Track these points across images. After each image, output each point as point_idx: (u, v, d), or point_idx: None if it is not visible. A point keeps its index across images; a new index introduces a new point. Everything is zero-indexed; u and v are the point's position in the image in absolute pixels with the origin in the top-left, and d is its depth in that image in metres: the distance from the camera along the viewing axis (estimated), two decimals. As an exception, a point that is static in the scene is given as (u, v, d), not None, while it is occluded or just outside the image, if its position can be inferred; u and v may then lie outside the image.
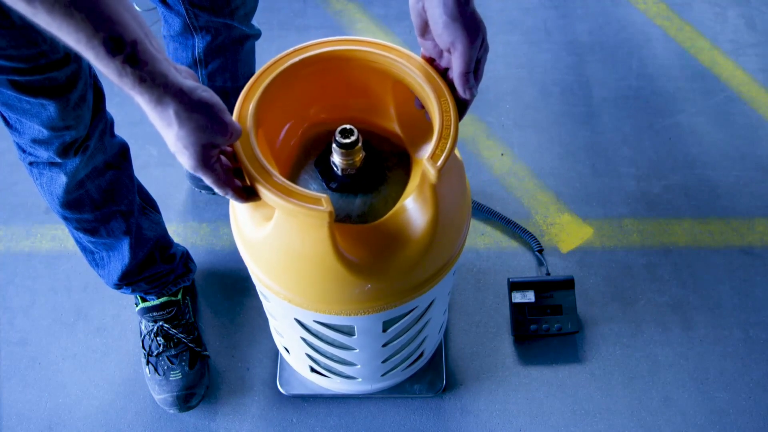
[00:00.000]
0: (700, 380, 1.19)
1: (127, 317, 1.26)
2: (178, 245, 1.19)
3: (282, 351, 1.15)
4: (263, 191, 0.65)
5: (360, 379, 1.07)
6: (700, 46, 1.70)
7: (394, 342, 0.93)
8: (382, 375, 1.06)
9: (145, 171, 1.45)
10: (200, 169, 0.61)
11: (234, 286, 1.29)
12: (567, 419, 1.16)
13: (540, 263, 1.32)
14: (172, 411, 1.14)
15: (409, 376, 1.16)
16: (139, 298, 1.17)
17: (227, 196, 0.66)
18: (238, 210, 0.79)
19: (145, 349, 1.16)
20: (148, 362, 1.15)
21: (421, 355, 1.12)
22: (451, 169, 0.76)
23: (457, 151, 0.78)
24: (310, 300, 0.76)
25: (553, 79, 1.63)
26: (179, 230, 1.37)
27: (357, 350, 0.92)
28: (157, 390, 1.14)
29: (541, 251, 1.32)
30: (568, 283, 1.22)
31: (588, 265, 1.32)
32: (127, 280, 1.09)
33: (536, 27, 1.74)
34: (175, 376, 1.13)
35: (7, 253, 1.34)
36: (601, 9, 1.79)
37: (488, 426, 1.15)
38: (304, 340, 0.93)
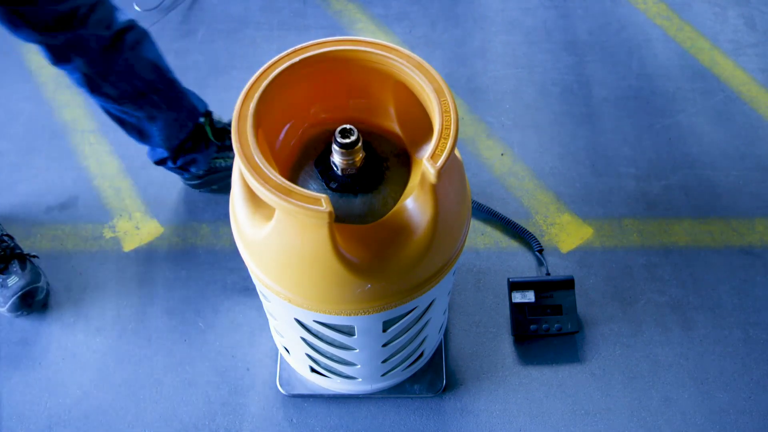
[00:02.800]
0: (700, 380, 1.19)
1: (127, 317, 1.26)
2: None
3: (282, 351, 1.15)
4: (263, 191, 0.65)
5: (360, 379, 1.07)
6: (700, 46, 1.70)
7: (394, 342, 0.93)
8: (382, 375, 1.06)
9: (144, 171, 1.45)
10: None
11: (234, 286, 1.29)
12: (567, 419, 1.16)
13: (540, 263, 1.32)
14: (21, 312, 1.22)
15: (409, 376, 1.16)
16: None
17: None
18: (238, 210, 0.79)
19: None
20: None
21: (421, 355, 1.12)
22: (451, 169, 0.76)
23: (457, 151, 0.77)
24: (310, 300, 0.76)
25: (553, 79, 1.63)
26: (179, 230, 1.37)
27: (357, 350, 0.92)
28: (2, 302, 1.22)
29: (541, 251, 1.32)
30: (568, 283, 1.22)
31: (588, 265, 1.32)
32: None
33: (536, 27, 1.74)
34: (13, 281, 1.22)
35: (7, 253, 1.34)
36: (601, 9, 1.79)
37: (488, 426, 1.15)
38: (304, 340, 0.93)
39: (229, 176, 1.43)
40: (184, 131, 1.28)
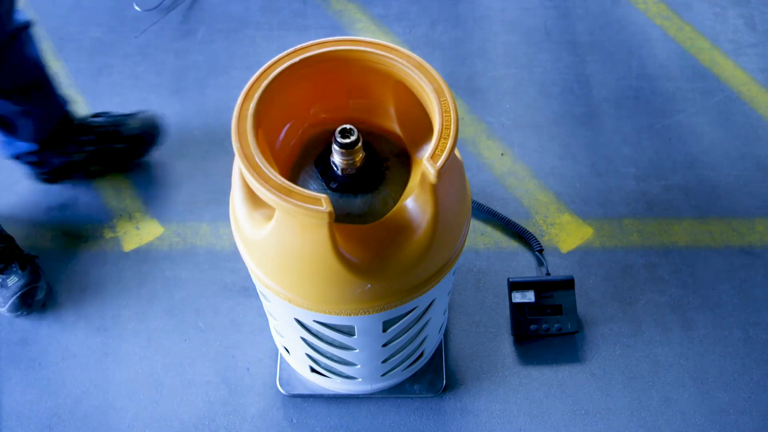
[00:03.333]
0: (700, 380, 1.19)
1: (127, 317, 1.26)
2: None
3: (282, 351, 1.15)
4: (263, 191, 0.65)
5: (360, 379, 1.07)
6: (700, 46, 1.70)
7: (394, 342, 0.93)
8: (382, 375, 1.06)
9: (145, 171, 1.45)
10: None
11: (234, 286, 1.29)
12: (567, 419, 1.16)
13: (540, 263, 1.32)
14: (21, 312, 1.24)
15: (409, 376, 1.16)
16: None
17: None
18: (238, 210, 0.79)
19: None
20: None
21: (421, 355, 1.12)
22: (451, 169, 0.76)
23: (457, 151, 0.78)
24: (310, 300, 0.76)
25: (553, 79, 1.63)
26: (179, 230, 1.37)
27: (357, 350, 0.92)
28: (2, 302, 1.22)
29: (541, 251, 1.32)
30: (568, 283, 1.22)
31: (588, 265, 1.32)
32: None
33: (536, 27, 1.74)
34: (13, 281, 1.22)
35: (7, 253, 1.34)
36: (601, 9, 1.79)
37: (488, 426, 1.15)
38: (304, 340, 0.93)
39: (83, 168, 1.43)
40: (51, 126, 1.32)
